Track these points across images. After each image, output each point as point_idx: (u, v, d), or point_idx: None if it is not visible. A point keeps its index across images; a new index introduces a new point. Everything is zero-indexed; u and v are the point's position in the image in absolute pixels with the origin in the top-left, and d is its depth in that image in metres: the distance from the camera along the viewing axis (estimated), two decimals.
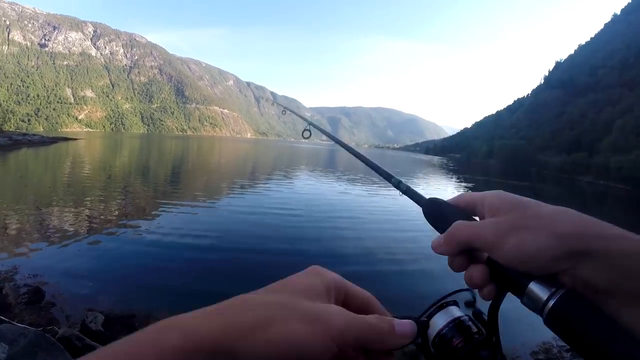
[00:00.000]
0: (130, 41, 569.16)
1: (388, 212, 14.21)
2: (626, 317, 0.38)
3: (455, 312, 0.53)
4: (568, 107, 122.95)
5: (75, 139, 66.35)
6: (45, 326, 4.51)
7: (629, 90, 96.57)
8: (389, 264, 8.29)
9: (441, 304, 0.53)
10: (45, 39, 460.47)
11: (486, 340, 0.49)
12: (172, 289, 6.33)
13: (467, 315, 0.52)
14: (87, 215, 10.69)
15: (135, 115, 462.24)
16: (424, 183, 29.74)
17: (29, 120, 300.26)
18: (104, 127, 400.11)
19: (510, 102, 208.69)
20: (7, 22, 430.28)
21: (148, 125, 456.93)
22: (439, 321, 0.52)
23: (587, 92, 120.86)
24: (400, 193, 0.74)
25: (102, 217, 10.73)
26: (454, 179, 32.53)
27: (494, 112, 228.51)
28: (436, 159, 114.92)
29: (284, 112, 2.34)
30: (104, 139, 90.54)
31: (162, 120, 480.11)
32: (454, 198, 0.59)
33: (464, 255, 0.52)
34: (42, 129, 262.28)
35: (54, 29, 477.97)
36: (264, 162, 43.83)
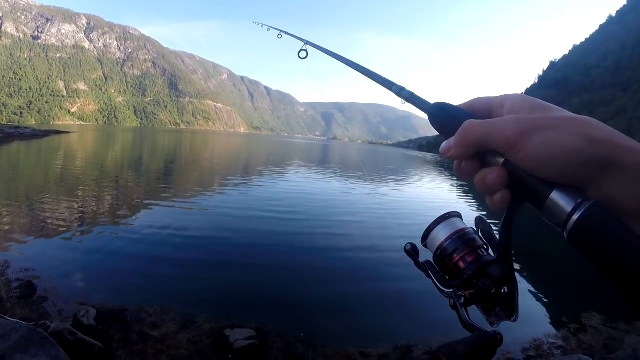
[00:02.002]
0: (124, 34, 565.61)
1: (386, 215, 14.23)
2: None
3: (459, 222, 0.51)
4: (562, 107, 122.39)
5: (68, 132, 65.95)
6: (37, 321, 4.49)
7: (622, 90, 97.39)
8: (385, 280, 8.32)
9: (443, 216, 0.51)
10: (38, 31, 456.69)
11: (496, 258, 0.47)
12: (164, 284, 6.32)
13: (471, 228, 0.50)
14: (79, 210, 10.64)
15: (129, 109, 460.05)
16: (418, 179, 29.79)
17: (21, 113, 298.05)
18: (96, 120, 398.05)
19: None
20: (0, 14, 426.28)
21: (141, 119, 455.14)
22: (441, 233, 0.50)
23: (581, 92, 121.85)
24: (403, 101, 0.68)
25: (94, 211, 10.68)
26: (447, 175, 32.50)
27: None
28: (429, 155, 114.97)
29: (280, 36, 2.26)
30: (97, 133, 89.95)
31: (155, 114, 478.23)
32: (466, 102, 0.54)
33: (475, 159, 0.46)
34: (34, 122, 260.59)
35: (48, 21, 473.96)
36: (258, 157, 43.70)
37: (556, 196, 0.39)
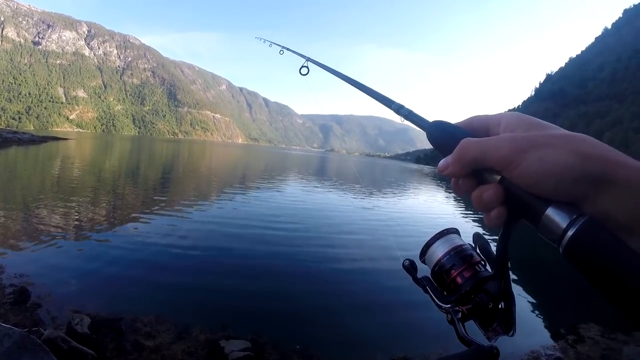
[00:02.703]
0: (124, 42, 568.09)
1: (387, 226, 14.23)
2: None
3: (457, 239, 0.51)
4: (558, 119, 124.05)
5: (66, 139, 65.90)
6: (31, 327, 4.45)
7: (618, 102, 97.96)
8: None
9: (441, 232, 0.52)
10: (39, 37, 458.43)
11: (493, 274, 0.47)
12: (160, 294, 6.28)
13: (469, 244, 0.51)
14: (75, 217, 10.59)
15: (127, 117, 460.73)
16: (415, 192, 29.83)
17: (19, 118, 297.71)
18: (94, 127, 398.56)
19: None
20: (2, 19, 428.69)
21: (139, 128, 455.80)
22: (439, 249, 0.51)
23: (578, 104, 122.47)
24: (402, 119, 0.69)
25: (90, 218, 10.64)
26: (444, 189, 32.53)
27: None
28: (427, 168, 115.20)
29: (281, 52, 2.26)
30: (95, 140, 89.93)
31: (153, 123, 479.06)
32: (463, 120, 0.55)
33: (472, 176, 0.47)
34: (32, 128, 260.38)
35: (49, 27, 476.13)
36: (255, 168, 43.74)
37: (551, 212, 0.39)
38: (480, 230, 0.50)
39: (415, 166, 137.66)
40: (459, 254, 0.49)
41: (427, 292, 0.50)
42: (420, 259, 0.53)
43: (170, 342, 4.75)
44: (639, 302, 0.34)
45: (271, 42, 2.67)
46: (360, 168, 68.61)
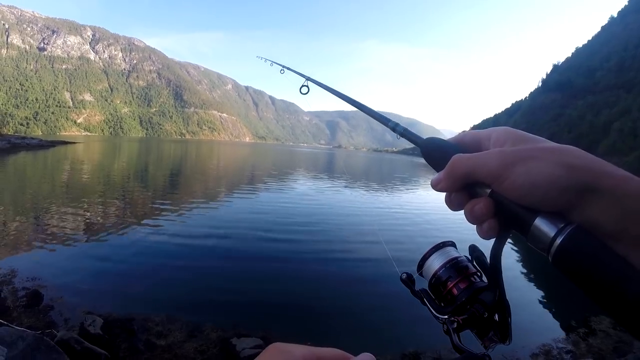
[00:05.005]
0: (129, 45, 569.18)
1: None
2: (633, 262, 0.37)
3: (453, 251, 0.52)
4: (566, 110, 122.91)
5: (74, 143, 66.48)
6: (44, 329, 4.49)
7: (626, 92, 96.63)
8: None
9: (438, 245, 0.53)
10: (44, 43, 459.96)
11: (488, 285, 0.48)
12: (171, 293, 6.33)
13: (465, 256, 0.52)
14: (85, 219, 10.68)
15: (134, 119, 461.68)
16: (425, 186, 29.70)
17: (27, 123, 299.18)
18: (102, 131, 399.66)
19: (509, 105, 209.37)
20: (6, 26, 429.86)
21: (147, 129, 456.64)
22: (435, 261, 0.52)
23: (585, 94, 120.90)
24: (398, 136, 0.72)
25: (100, 221, 10.72)
26: None
27: (492, 115, 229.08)
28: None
29: (282, 72, 2.29)
30: (103, 143, 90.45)
31: (160, 125, 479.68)
32: (456, 136, 0.57)
33: (464, 191, 0.49)
34: (40, 133, 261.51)
35: (53, 33, 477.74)
36: (263, 166, 43.78)
37: (539, 222, 0.41)
38: (476, 237, 0.50)
39: (423, 161, 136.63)
40: (455, 266, 0.50)
41: (424, 303, 0.52)
42: (417, 272, 0.54)
43: (182, 340, 4.78)
44: (626, 307, 0.34)
45: (272, 62, 2.70)
46: (368, 164, 68.45)
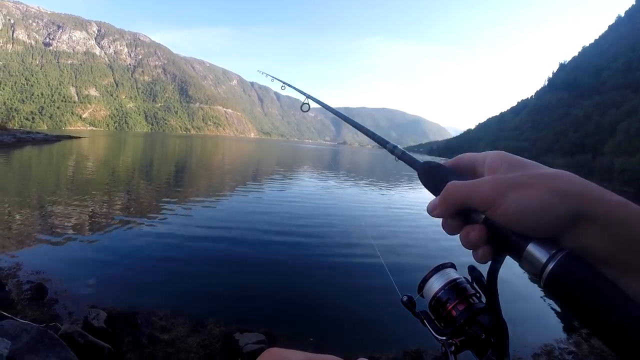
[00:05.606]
0: (135, 41, 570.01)
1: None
2: (624, 289, 0.37)
3: (452, 274, 0.54)
4: (572, 109, 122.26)
5: (79, 138, 66.54)
6: (48, 322, 4.53)
7: (633, 92, 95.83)
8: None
9: (437, 267, 0.55)
10: (49, 38, 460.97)
11: (485, 307, 0.50)
12: (175, 288, 6.36)
13: (464, 277, 0.53)
14: (90, 213, 10.73)
15: (139, 114, 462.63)
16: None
17: (33, 118, 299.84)
18: (107, 125, 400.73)
19: (514, 104, 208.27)
20: (12, 21, 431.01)
21: (152, 125, 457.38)
22: (435, 283, 0.53)
23: (592, 94, 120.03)
24: (396, 158, 0.74)
25: (105, 214, 10.76)
26: None
27: (497, 114, 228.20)
28: (439, 159, 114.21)
29: (283, 88, 2.33)
30: (108, 138, 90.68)
31: (165, 120, 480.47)
32: (452, 159, 0.58)
33: (460, 217, 0.50)
34: (46, 128, 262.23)
35: (59, 28, 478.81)
36: (268, 162, 43.79)
37: (532, 248, 0.42)
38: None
39: (429, 158, 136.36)
40: (454, 287, 0.52)
41: (425, 325, 0.53)
42: (418, 294, 0.56)
43: (185, 335, 4.81)
44: (614, 333, 0.35)
45: (273, 77, 2.72)
46: (373, 161, 68.35)
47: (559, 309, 6.81)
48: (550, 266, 0.40)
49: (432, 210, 0.52)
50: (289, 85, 2.14)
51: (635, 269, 0.37)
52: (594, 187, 0.43)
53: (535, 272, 0.42)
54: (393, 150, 0.75)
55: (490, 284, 0.50)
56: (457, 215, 0.50)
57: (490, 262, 0.49)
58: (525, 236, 0.43)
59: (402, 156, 0.72)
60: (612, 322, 0.35)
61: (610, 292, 0.37)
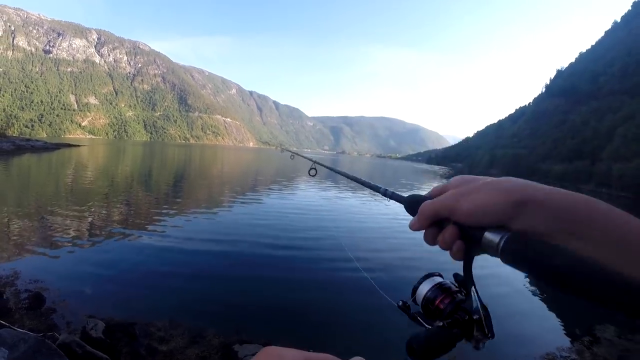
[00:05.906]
0: (134, 49, 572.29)
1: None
2: None
3: (438, 279, 0.64)
4: (569, 115, 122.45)
5: (79, 146, 66.63)
6: (46, 332, 4.49)
7: (630, 97, 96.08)
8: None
9: (426, 275, 0.65)
10: (49, 45, 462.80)
11: (466, 296, 0.59)
12: (174, 298, 6.31)
13: (449, 281, 0.63)
14: (89, 222, 10.70)
15: (138, 123, 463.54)
16: (427, 190, 29.64)
17: (32, 125, 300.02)
18: (107, 134, 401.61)
19: (512, 111, 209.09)
20: (12, 28, 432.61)
21: (151, 133, 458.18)
22: (424, 287, 0.63)
23: (589, 100, 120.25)
24: (388, 199, 0.88)
25: (104, 224, 10.73)
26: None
27: (496, 121, 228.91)
28: (441, 169, 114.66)
29: (292, 157, 2.43)
30: (107, 146, 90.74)
31: (165, 129, 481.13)
32: (429, 191, 0.69)
33: (435, 226, 0.61)
34: (45, 135, 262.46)
35: (59, 36, 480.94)
36: (267, 171, 43.81)
37: (487, 235, 0.52)
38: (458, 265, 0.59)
39: (427, 166, 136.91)
40: (440, 287, 0.61)
41: (421, 324, 0.61)
42: (411, 299, 0.65)
43: (184, 346, 4.77)
44: (558, 276, 0.43)
45: (283, 149, 2.86)
46: (372, 169, 68.42)
47: (559, 317, 6.79)
48: (501, 244, 0.49)
49: (412, 226, 0.63)
50: (297, 154, 2.24)
51: (570, 234, 0.46)
52: (530, 182, 0.53)
53: (492, 253, 0.51)
54: (385, 193, 0.91)
55: (466, 274, 0.59)
56: (432, 226, 0.61)
57: (464, 259, 0.58)
58: (482, 227, 0.53)
59: (392, 196, 0.86)
60: (555, 268, 0.43)
61: (546, 247, 0.45)
